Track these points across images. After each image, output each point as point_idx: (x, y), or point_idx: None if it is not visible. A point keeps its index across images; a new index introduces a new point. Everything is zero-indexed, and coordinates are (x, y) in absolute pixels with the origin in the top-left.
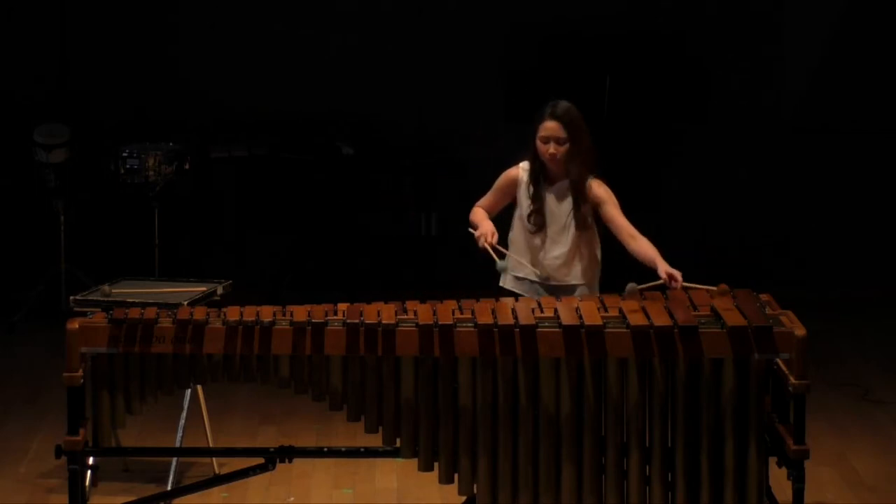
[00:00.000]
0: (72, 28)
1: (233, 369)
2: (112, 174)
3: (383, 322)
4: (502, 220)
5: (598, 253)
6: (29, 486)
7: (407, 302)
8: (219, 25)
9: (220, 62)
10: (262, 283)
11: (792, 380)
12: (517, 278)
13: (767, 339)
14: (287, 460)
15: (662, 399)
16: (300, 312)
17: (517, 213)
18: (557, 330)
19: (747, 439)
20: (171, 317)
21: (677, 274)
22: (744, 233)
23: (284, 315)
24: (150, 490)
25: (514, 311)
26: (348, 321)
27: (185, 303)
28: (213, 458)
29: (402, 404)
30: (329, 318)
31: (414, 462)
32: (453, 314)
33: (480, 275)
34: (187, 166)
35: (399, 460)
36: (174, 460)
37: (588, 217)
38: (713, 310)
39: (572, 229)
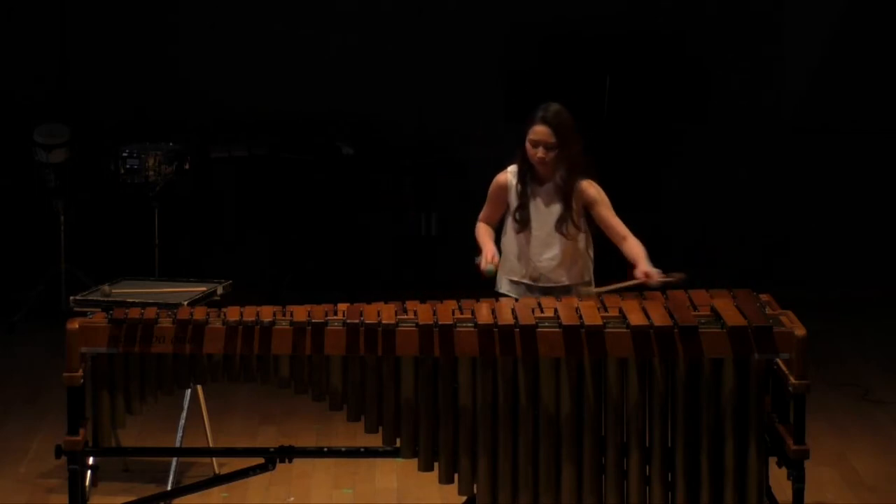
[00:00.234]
0: (72, 28)
1: (233, 369)
2: (112, 174)
3: (383, 322)
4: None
5: (591, 253)
6: (29, 486)
7: (407, 302)
8: (219, 25)
9: (220, 62)
10: (262, 283)
11: (792, 380)
12: (512, 282)
13: (767, 339)
14: (287, 460)
15: (662, 399)
16: (300, 312)
17: (508, 216)
18: (557, 330)
19: (747, 439)
20: (171, 317)
21: (654, 273)
22: (744, 233)
23: (284, 315)
24: (150, 490)
25: (514, 311)
26: (348, 321)
27: (185, 303)
28: (213, 458)
29: (402, 404)
30: (329, 318)
31: (414, 462)
32: (453, 314)
33: (480, 275)
34: (187, 166)
35: (399, 460)
36: (174, 460)
37: (577, 219)
38: (713, 310)
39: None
